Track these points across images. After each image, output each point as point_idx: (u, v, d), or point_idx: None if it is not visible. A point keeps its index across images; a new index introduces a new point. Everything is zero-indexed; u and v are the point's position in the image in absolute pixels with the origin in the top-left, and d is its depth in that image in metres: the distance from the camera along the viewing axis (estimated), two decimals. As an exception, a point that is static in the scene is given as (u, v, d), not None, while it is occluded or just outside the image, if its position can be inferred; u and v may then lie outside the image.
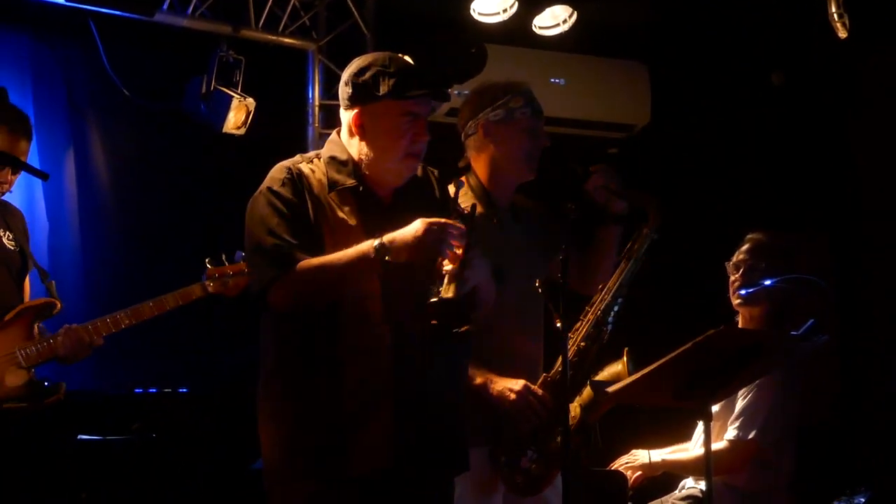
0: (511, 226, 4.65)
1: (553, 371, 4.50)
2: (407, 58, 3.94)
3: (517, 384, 4.44)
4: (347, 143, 3.93)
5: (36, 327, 5.07)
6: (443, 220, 3.68)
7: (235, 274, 5.43)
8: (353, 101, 3.89)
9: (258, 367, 3.91)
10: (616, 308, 4.54)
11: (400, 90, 3.83)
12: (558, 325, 3.98)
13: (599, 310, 4.53)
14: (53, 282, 5.23)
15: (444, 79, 6.23)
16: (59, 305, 5.17)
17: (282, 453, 3.81)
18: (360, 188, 3.85)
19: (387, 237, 3.67)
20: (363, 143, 3.88)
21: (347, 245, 3.72)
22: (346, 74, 3.91)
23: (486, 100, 4.66)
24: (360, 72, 3.86)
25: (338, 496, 3.72)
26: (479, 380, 4.40)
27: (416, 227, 3.67)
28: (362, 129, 3.87)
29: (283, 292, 3.71)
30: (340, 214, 3.80)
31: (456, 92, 7.09)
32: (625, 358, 4.56)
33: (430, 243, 3.64)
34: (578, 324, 4.55)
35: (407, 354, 3.76)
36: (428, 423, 3.78)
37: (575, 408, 4.48)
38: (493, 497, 4.52)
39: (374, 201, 3.88)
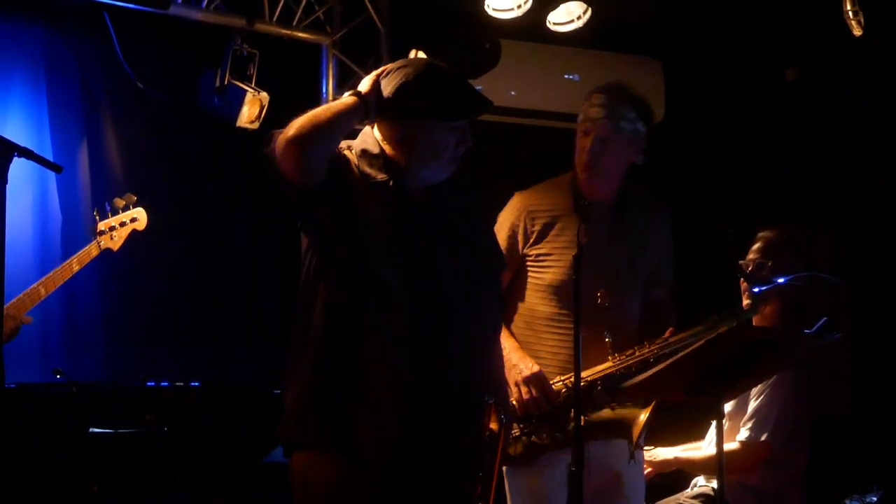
0: (602, 220, 4.61)
1: (585, 376, 4.49)
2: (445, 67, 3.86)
3: (530, 369, 4.48)
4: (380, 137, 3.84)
5: None
6: None
7: (122, 225, 5.58)
8: (392, 119, 3.76)
9: (270, 360, 3.91)
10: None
11: (449, 112, 3.77)
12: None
13: (654, 354, 4.49)
14: None
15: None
16: None
17: (297, 420, 3.78)
18: (391, 183, 3.77)
19: None
20: (404, 151, 3.78)
21: (377, 243, 3.69)
22: (387, 89, 3.73)
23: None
24: (401, 90, 3.72)
25: (357, 476, 3.68)
26: (505, 343, 4.41)
27: None
28: (406, 139, 3.77)
29: (283, 133, 3.67)
30: (370, 211, 3.73)
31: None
32: (650, 409, 4.51)
33: None
34: (630, 351, 4.53)
35: (426, 353, 3.72)
36: (441, 422, 3.75)
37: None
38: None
39: (406, 199, 3.80)
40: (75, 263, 5.45)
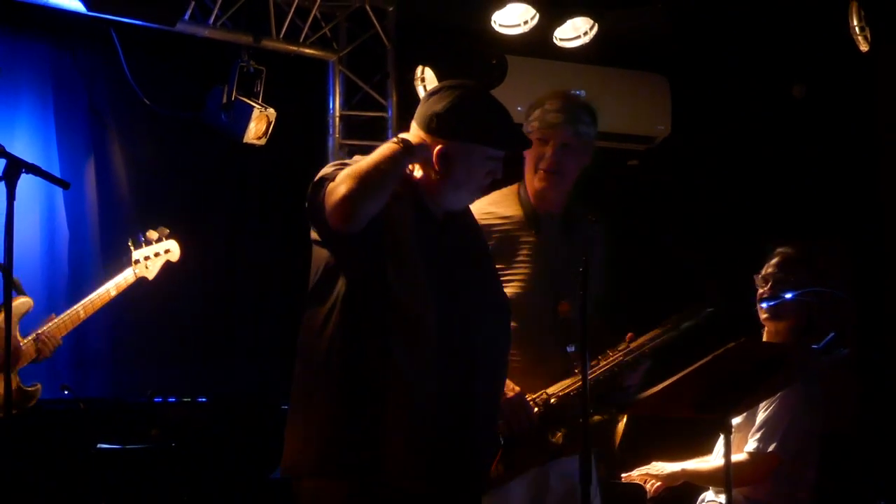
0: (554, 232, 4.59)
1: (555, 391, 4.48)
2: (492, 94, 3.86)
3: (512, 391, 4.40)
4: None
5: None
6: None
7: (157, 255, 6.01)
8: (437, 133, 3.75)
9: (277, 376, 3.87)
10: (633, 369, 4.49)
11: (496, 140, 3.77)
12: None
13: (618, 362, 4.47)
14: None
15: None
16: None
17: (316, 447, 3.71)
18: (416, 202, 3.78)
19: None
20: (439, 169, 3.77)
21: (402, 264, 3.67)
22: (438, 104, 3.75)
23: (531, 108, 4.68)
24: (454, 108, 3.72)
25: (371, 501, 3.67)
26: None
27: None
28: (444, 157, 3.75)
29: (333, 187, 3.57)
30: (395, 229, 3.71)
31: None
32: (624, 420, 4.50)
33: None
34: (594, 361, 4.47)
35: (452, 380, 3.69)
36: (465, 447, 3.74)
37: (558, 437, 4.46)
38: None
39: (428, 218, 3.81)
40: (113, 289, 5.80)
